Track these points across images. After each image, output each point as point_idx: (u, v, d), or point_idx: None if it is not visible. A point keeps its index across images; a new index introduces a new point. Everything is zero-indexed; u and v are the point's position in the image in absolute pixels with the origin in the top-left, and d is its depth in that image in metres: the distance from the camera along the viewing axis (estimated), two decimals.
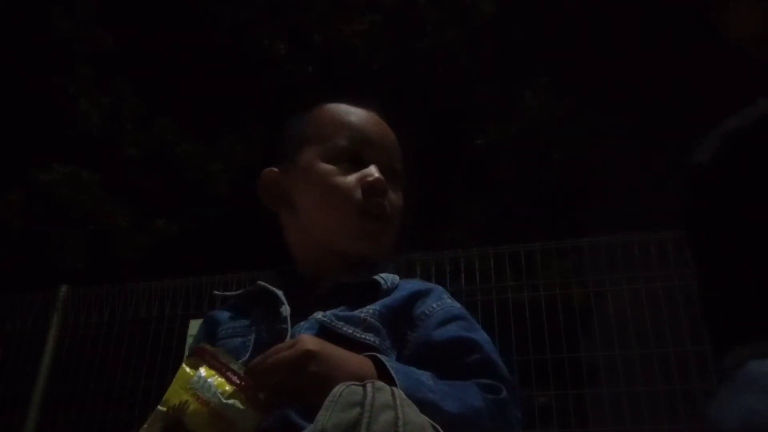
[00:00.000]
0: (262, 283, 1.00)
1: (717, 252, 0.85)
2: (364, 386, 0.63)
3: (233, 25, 6.91)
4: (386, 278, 0.97)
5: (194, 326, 3.27)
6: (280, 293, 0.95)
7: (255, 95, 6.73)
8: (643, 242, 3.11)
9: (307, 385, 0.73)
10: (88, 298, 3.72)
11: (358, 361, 0.78)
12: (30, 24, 5.96)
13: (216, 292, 1.11)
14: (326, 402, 0.63)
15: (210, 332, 1.00)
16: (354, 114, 1.06)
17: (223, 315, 1.02)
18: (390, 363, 0.77)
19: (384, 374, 0.75)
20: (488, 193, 8.10)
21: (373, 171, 0.99)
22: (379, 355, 0.79)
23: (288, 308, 0.93)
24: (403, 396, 0.64)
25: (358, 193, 0.97)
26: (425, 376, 0.79)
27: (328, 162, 1.00)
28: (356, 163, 1.00)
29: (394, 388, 0.65)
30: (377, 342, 0.86)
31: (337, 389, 0.64)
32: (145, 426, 0.76)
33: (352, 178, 0.98)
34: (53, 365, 3.60)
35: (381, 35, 7.46)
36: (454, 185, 8.10)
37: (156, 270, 4.10)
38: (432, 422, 0.67)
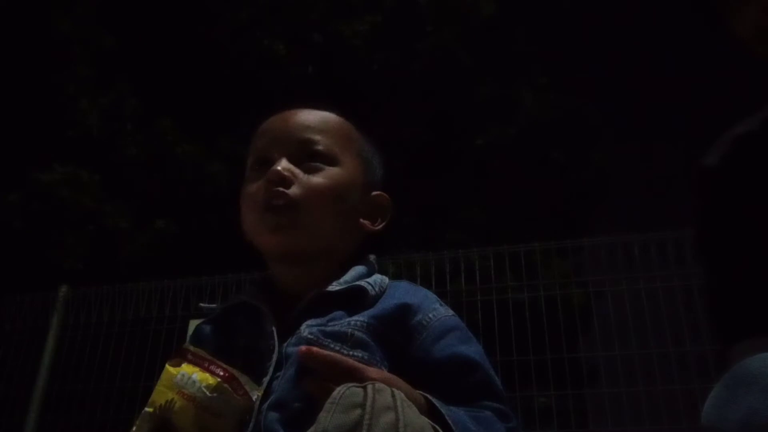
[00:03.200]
0: (246, 297, 0.98)
1: (725, 252, 0.86)
2: (364, 387, 0.63)
3: (233, 25, 6.92)
4: (373, 283, 0.94)
5: (194, 326, 3.27)
6: (264, 308, 0.93)
7: (255, 95, 6.73)
8: (643, 242, 3.11)
9: None
10: (88, 298, 3.72)
11: (414, 399, 0.76)
12: (30, 24, 5.96)
13: (201, 304, 1.08)
14: (327, 403, 0.62)
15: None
16: (272, 120, 1.05)
17: (208, 330, 0.99)
18: (444, 409, 0.76)
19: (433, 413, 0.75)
20: (488, 193, 8.10)
21: (274, 166, 0.95)
22: (433, 399, 0.77)
23: (274, 324, 0.90)
24: (404, 397, 0.64)
25: (261, 193, 0.95)
26: (466, 419, 0.79)
27: (249, 176, 1.00)
28: (267, 165, 0.97)
29: (394, 389, 0.65)
30: (366, 357, 0.84)
31: (338, 391, 0.63)
32: (134, 429, 0.76)
33: (260, 181, 0.97)
34: (53, 365, 3.59)
35: (381, 35, 7.46)
36: (454, 185, 8.10)
37: (156, 270, 4.10)
38: (432, 424, 0.67)
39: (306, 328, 0.87)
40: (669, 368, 2.93)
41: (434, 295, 0.97)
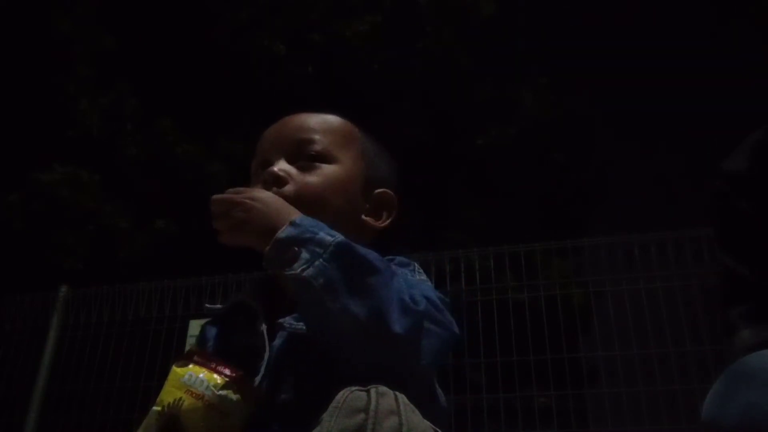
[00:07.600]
0: (243, 297, 1.00)
1: (750, 255, 0.87)
2: (368, 391, 0.63)
3: (233, 25, 6.91)
4: None
5: (194, 326, 3.27)
6: (258, 308, 0.95)
7: (255, 95, 6.73)
8: (643, 242, 3.12)
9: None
10: (88, 298, 3.72)
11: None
12: (30, 24, 5.96)
13: (207, 305, 1.09)
14: (330, 407, 0.63)
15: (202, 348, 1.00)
16: (273, 125, 1.07)
17: (211, 331, 1.01)
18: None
19: None
20: (488, 193, 8.10)
21: (270, 167, 0.98)
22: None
23: (264, 323, 0.92)
24: (407, 401, 0.64)
25: None
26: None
27: (252, 181, 1.03)
28: (266, 168, 0.99)
29: (397, 393, 0.65)
30: None
31: (342, 394, 0.64)
32: (141, 427, 0.76)
33: (259, 184, 0.98)
34: (53, 365, 3.59)
35: (381, 35, 7.46)
36: (454, 185, 8.10)
37: (156, 270, 4.10)
38: (434, 427, 0.67)
39: (286, 320, 0.88)
40: (669, 368, 2.93)
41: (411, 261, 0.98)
